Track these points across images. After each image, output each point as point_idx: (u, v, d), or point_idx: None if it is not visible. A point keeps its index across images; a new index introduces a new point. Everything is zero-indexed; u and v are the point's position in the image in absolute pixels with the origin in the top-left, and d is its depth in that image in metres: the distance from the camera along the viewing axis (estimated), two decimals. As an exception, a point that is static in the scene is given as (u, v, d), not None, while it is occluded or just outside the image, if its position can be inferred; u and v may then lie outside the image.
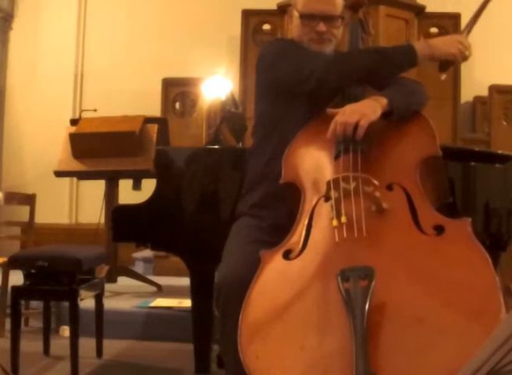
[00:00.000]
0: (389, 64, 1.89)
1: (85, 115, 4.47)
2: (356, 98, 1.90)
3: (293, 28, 2.07)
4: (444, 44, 1.88)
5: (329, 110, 1.84)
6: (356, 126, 1.73)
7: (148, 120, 4.09)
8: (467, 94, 5.44)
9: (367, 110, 1.77)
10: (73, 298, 2.64)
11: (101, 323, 3.00)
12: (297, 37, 2.05)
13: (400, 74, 1.95)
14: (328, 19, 1.98)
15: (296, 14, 2.04)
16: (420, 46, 1.87)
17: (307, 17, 1.99)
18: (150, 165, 3.61)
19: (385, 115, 1.81)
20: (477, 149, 2.66)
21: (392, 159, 1.76)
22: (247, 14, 5.46)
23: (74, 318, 2.65)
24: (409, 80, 2.03)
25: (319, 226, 1.63)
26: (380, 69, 1.90)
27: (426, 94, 1.99)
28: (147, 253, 4.85)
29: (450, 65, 1.90)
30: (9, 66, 6.04)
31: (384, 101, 1.81)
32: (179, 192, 2.54)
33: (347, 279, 1.35)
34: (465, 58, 1.90)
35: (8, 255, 2.91)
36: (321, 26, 1.98)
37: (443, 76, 1.91)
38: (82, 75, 5.95)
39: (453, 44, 1.87)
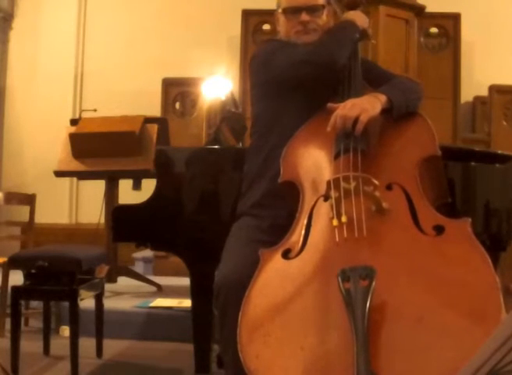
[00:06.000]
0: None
1: (85, 115, 4.47)
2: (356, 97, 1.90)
3: (280, 28, 2.15)
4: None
5: (330, 105, 1.85)
6: (356, 120, 1.75)
7: (148, 120, 4.09)
8: (467, 94, 5.44)
9: (367, 105, 1.79)
10: (73, 298, 2.64)
11: (101, 323, 3.00)
12: (285, 34, 2.12)
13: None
14: (310, 9, 2.07)
15: (280, 12, 2.12)
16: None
17: (291, 10, 2.08)
18: (150, 165, 3.61)
19: (385, 111, 1.83)
20: (477, 149, 2.65)
21: (391, 159, 1.76)
22: (247, 14, 5.48)
23: (74, 318, 2.65)
24: (405, 78, 2.09)
25: (318, 226, 1.63)
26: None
27: (422, 89, 2.04)
28: (147, 253, 4.84)
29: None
30: (9, 66, 6.04)
31: (383, 97, 1.84)
32: (179, 192, 2.54)
33: (348, 279, 1.35)
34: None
35: (8, 255, 2.91)
36: (305, 16, 2.06)
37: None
38: (82, 75, 5.95)
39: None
